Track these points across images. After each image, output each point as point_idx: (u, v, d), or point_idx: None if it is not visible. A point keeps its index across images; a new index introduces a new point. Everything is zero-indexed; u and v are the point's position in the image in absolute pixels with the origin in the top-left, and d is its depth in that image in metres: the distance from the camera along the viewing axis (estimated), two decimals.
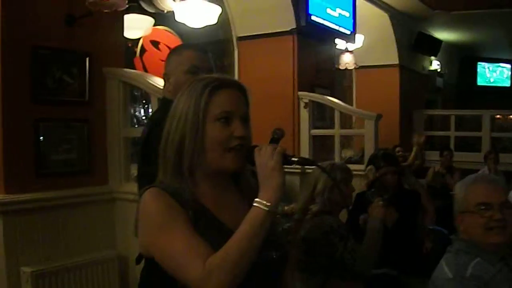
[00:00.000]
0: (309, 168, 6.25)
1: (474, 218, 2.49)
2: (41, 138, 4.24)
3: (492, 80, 17.59)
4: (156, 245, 1.71)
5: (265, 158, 1.70)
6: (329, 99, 7.54)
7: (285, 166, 1.72)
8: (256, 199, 1.67)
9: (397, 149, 8.51)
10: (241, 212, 1.71)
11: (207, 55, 3.06)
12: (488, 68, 17.58)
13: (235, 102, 1.84)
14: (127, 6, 4.32)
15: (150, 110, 5.68)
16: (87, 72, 4.51)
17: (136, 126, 5.69)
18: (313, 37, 7.93)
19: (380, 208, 3.75)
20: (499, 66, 17.72)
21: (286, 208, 4.85)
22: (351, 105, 10.50)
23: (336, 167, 3.74)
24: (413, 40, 12.08)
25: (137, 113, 6.18)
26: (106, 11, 4.23)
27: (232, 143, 1.78)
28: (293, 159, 1.74)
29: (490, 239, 2.44)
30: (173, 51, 3.16)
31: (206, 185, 1.83)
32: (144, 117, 6.26)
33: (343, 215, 3.94)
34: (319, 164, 1.89)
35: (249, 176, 1.86)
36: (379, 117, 7.05)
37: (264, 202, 1.65)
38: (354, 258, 3.43)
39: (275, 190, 1.67)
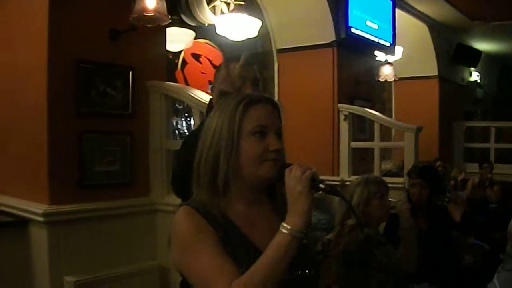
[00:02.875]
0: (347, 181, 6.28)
1: None
2: (85, 150, 4.30)
3: None
4: (184, 263, 1.73)
5: (293, 181, 1.67)
6: (369, 112, 7.50)
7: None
8: (282, 224, 1.65)
9: (438, 163, 8.40)
10: (273, 231, 1.69)
11: (252, 66, 3.08)
12: None
13: (269, 116, 1.82)
14: (170, 21, 4.37)
15: (192, 123, 5.72)
16: (130, 85, 4.58)
17: (178, 138, 5.73)
18: (352, 49, 7.92)
19: (406, 208, 3.77)
20: None
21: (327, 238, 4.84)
22: (390, 117, 10.41)
23: (370, 181, 3.74)
24: (452, 51, 11.93)
25: (179, 126, 6.23)
26: (149, 25, 4.30)
27: (268, 157, 1.77)
28: (320, 185, 1.69)
29: None
30: (221, 64, 3.20)
31: (239, 203, 1.83)
32: (186, 130, 6.31)
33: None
34: (342, 195, 1.87)
35: (284, 193, 1.77)
36: (419, 129, 6.98)
37: (289, 227, 1.62)
38: (393, 260, 3.45)
39: (301, 216, 1.64)
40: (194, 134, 3.11)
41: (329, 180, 6.44)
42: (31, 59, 4.31)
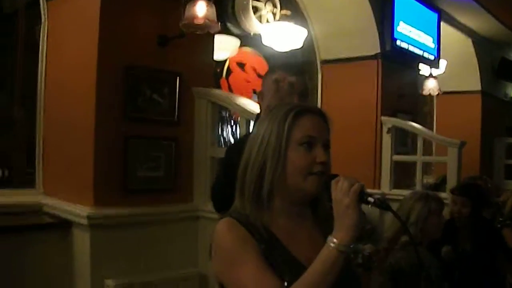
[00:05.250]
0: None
1: None
2: (130, 155, 4.33)
3: None
4: (227, 277, 1.71)
5: (340, 194, 1.62)
6: (412, 125, 7.41)
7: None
8: (329, 237, 1.61)
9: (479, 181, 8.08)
10: (316, 245, 1.67)
11: (303, 77, 3.06)
12: None
13: (318, 128, 1.79)
14: (219, 28, 4.37)
15: (238, 131, 5.70)
16: (177, 91, 4.60)
17: (223, 146, 5.74)
18: (397, 62, 7.82)
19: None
20: None
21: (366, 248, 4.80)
22: (432, 131, 10.31)
23: (431, 197, 3.66)
24: (495, 65, 11.74)
25: (224, 134, 6.23)
26: (198, 33, 4.30)
27: (314, 169, 1.73)
28: (369, 199, 1.63)
29: None
30: (268, 71, 3.17)
31: (282, 215, 1.79)
32: (231, 138, 6.32)
33: None
34: (394, 210, 1.80)
35: (327, 206, 1.76)
36: (462, 144, 6.86)
37: (337, 242, 1.58)
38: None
39: (348, 230, 1.59)
40: (242, 140, 3.10)
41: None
42: (81, 62, 4.36)
